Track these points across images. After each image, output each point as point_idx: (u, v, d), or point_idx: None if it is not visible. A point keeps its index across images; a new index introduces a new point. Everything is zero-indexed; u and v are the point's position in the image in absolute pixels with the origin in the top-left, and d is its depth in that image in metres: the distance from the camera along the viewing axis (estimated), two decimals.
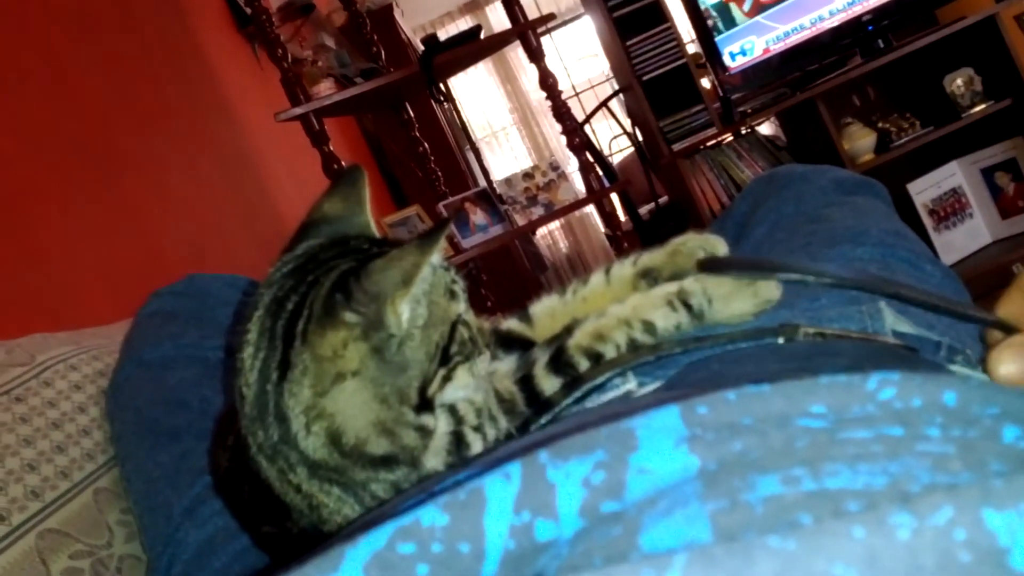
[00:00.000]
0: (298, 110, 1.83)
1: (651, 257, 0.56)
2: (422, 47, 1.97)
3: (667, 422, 0.28)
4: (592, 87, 4.46)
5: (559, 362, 0.50)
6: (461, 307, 0.46)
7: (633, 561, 0.19)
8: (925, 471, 0.22)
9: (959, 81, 2.27)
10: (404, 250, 0.41)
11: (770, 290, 0.51)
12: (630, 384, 0.48)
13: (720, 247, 0.55)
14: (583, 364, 0.50)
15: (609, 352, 0.50)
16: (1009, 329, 0.36)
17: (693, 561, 0.18)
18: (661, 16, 2.30)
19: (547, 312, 0.57)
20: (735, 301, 0.51)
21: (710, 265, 0.52)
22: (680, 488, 0.24)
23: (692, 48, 2.45)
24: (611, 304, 0.52)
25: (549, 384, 0.49)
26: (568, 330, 0.52)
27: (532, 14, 2.02)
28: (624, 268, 0.56)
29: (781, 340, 0.48)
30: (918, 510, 0.18)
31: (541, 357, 0.51)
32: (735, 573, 0.18)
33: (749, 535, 0.19)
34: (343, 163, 1.89)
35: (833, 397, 0.28)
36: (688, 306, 0.50)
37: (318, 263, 0.44)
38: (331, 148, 1.88)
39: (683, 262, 0.54)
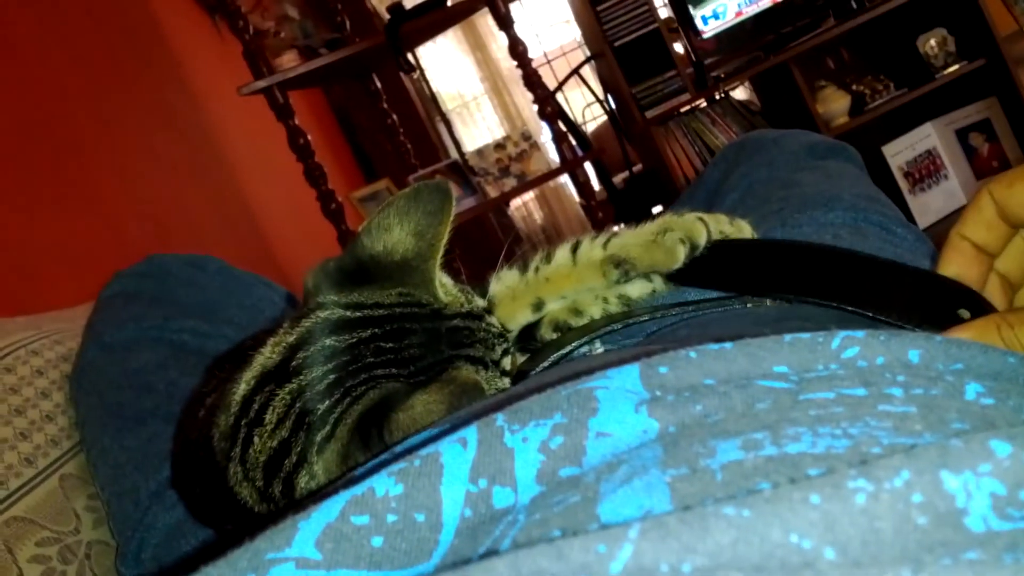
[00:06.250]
0: (261, 83, 1.78)
1: (624, 245, 0.51)
2: (388, 16, 1.92)
3: (627, 383, 0.27)
4: (564, 54, 4.39)
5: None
6: None
7: (589, 533, 0.18)
8: (886, 433, 0.22)
9: (932, 41, 2.27)
10: (431, 414, 0.39)
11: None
12: (597, 352, 0.48)
13: (700, 237, 0.50)
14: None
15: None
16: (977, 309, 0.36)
17: (647, 532, 0.18)
18: None
19: (508, 294, 0.53)
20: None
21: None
22: (640, 453, 0.24)
23: (664, 13, 2.42)
24: (575, 286, 0.50)
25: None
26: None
27: None
28: (593, 250, 0.52)
29: (749, 305, 0.48)
30: (876, 474, 0.18)
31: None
32: (690, 543, 0.17)
33: (707, 503, 0.19)
34: (309, 137, 1.85)
35: (796, 356, 0.27)
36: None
37: (363, 367, 0.42)
38: (296, 122, 1.84)
39: (659, 257, 0.50)
